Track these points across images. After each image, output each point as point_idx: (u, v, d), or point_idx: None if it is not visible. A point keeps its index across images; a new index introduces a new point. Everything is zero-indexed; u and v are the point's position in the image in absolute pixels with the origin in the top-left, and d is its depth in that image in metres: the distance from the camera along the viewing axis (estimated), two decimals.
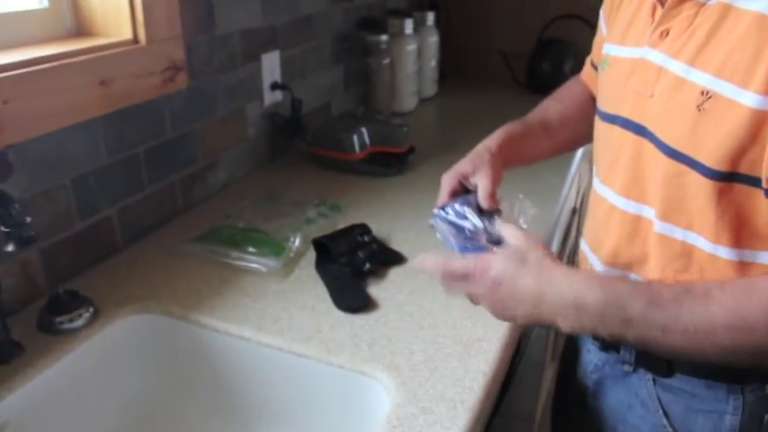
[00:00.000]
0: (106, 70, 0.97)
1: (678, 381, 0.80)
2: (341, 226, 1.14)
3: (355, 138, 1.45)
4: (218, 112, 1.30)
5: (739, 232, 0.69)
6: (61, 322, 0.87)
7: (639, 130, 0.76)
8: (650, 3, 0.77)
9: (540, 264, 0.73)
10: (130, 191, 1.10)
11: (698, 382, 0.78)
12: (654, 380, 0.82)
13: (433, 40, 2.06)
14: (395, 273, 1.05)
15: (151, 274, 1.01)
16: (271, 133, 1.50)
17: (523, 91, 2.22)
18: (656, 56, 0.74)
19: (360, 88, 1.89)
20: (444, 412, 0.75)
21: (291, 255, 1.06)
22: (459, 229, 0.85)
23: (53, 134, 0.92)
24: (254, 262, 1.03)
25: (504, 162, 0.93)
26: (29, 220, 0.74)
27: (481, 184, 0.88)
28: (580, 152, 1.59)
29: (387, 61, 1.83)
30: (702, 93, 0.67)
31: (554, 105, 1.07)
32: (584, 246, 0.91)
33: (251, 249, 1.06)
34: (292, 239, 1.09)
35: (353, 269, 1.02)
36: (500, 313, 0.77)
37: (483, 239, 0.82)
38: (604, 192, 0.84)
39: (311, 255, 1.07)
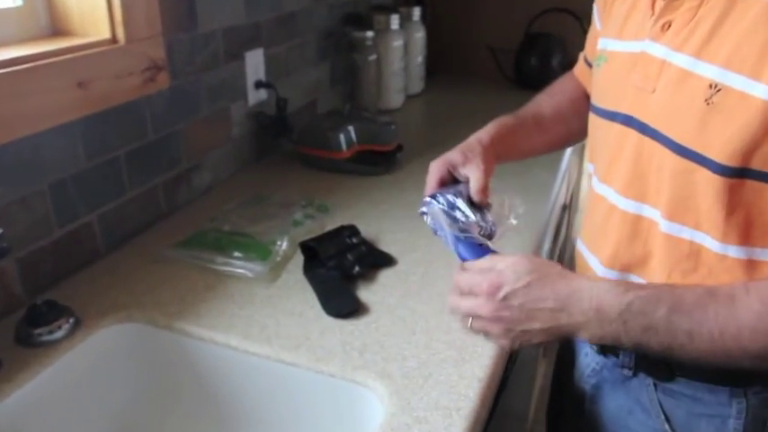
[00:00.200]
0: (84, 71, 0.94)
1: (680, 385, 0.78)
2: (329, 227, 1.11)
3: (342, 136, 1.42)
4: (202, 113, 1.27)
5: (749, 230, 0.66)
6: (40, 334, 0.83)
7: (641, 126, 0.74)
8: None
9: (551, 273, 0.70)
10: (111, 195, 1.07)
11: (700, 385, 0.76)
12: (655, 384, 0.80)
13: (419, 35, 2.03)
14: (385, 275, 1.02)
15: (134, 282, 0.98)
16: (256, 133, 1.47)
17: (511, 86, 2.21)
18: (657, 49, 0.72)
19: (346, 86, 1.87)
20: (440, 421, 0.73)
21: (278, 259, 1.03)
22: (452, 219, 0.82)
23: (29, 138, 0.89)
24: (240, 267, 1.00)
25: (496, 156, 0.90)
26: (1, 231, 0.71)
27: (473, 176, 0.85)
28: (570, 148, 1.57)
29: (373, 58, 1.80)
30: (711, 86, 0.64)
31: (546, 100, 1.04)
32: (581, 247, 0.88)
33: (237, 254, 1.03)
34: (279, 243, 1.06)
35: (342, 272, 1.00)
36: (513, 337, 0.72)
37: (475, 232, 0.80)
38: (604, 191, 0.81)
39: (299, 258, 1.04)
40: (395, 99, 1.94)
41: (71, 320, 0.87)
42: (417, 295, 0.97)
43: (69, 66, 0.92)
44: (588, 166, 0.90)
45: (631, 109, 0.75)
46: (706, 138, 0.65)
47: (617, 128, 0.78)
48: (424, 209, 0.86)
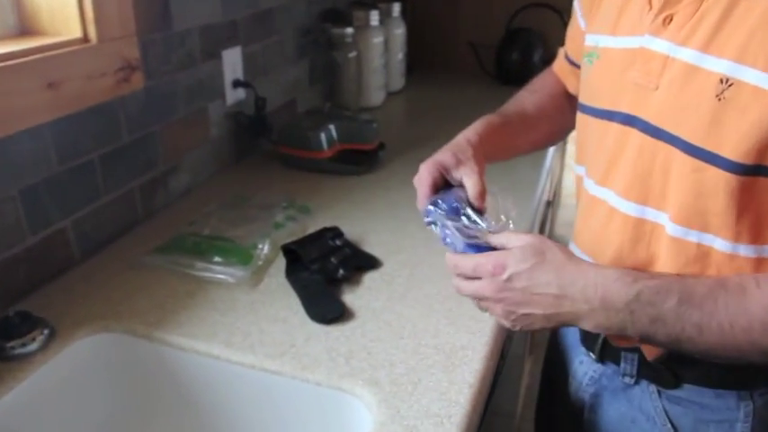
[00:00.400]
0: (54, 71, 0.91)
1: (686, 392, 0.76)
2: (311, 230, 1.09)
3: (323, 135, 1.40)
4: (178, 113, 1.23)
5: (760, 228, 0.65)
6: (13, 347, 0.80)
7: (645, 126, 0.71)
8: None
9: (558, 258, 0.68)
10: (86, 200, 1.03)
11: (707, 391, 0.75)
12: (659, 392, 0.79)
13: (399, 31, 2.01)
14: (370, 278, 1.00)
15: (111, 290, 0.95)
16: (235, 133, 1.43)
17: (492, 82, 2.19)
18: (659, 44, 0.69)
19: (325, 84, 1.84)
20: (431, 430, 0.71)
21: (260, 263, 1.01)
22: (460, 227, 0.77)
23: None
24: (221, 272, 0.97)
25: (486, 156, 0.87)
26: None
27: (470, 181, 0.81)
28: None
29: (353, 55, 1.77)
30: (722, 81, 0.62)
31: (528, 98, 1.01)
32: (578, 253, 0.84)
33: (217, 259, 1.00)
34: (260, 246, 1.03)
35: (326, 276, 0.97)
36: (514, 319, 0.71)
37: (484, 238, 0.76)
38: (603, 194, 0.78)
39: (281, 262, 1.01)
40: (376, 96, 1.91)
41: (45, 332, 0.83)
42: (403, 298, 0.94)
43: (39, 66, 0.88)
44: (578, 168, 0.87)
45: (632, 108, 0.73)
46: (718, 135, 0.63)
47: (615, 128, 0.75)
48: (430, 218, 0.81)
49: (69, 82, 0.93)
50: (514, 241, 0.71)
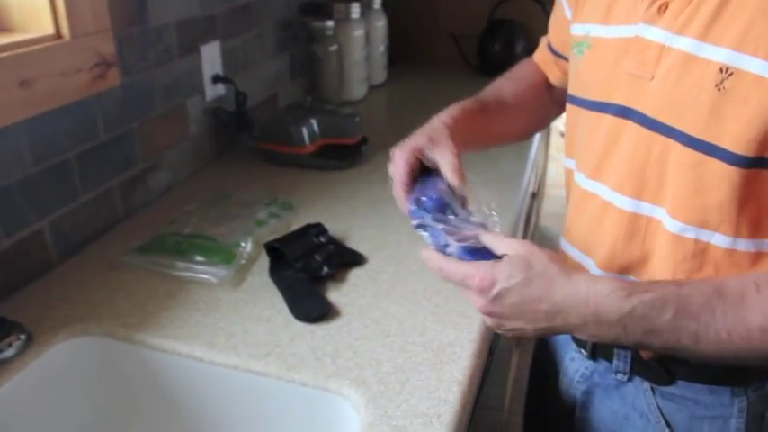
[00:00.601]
0: (26, 69, 0.88)
1: (680, 388, 0.75)
2: (294, 227, 1.07)
3: (305, 130, 1.38)
4: (157, 110, 1.21)
5: (760, 223, 0.64)
6: None
7: (641, 117, 0.69)
8: None
9: (549, 271, 0.64)
10: (63, 200, 1.00)
11: (701, 388, 0.74)
12: (652, 388, 0.78)
13: (380, 24, 1.99)
14: (355, 275, 0.98)
15: (90, 292, 0.93)
16: (215, 129, 1.41)
17: (475, 73, 2.17)
18: (655, 33, 0.67)
19: (306, 78, 1.82)
20: (420, 429, 0.69)
21: (243, 262, 0.99)
22: (447, 225, 0.72)
23: None
24: (203, 272, 0.95)
25: (462, 141, 0.82)
26: None
27: (445, 158, 0.77)
28: (538, 135, 1.55)
29: (334, 48, 1.75)
30: (721, 70, 0.61)
31: (507, 86, 0.99)
32: (569, 248, 0.84)
33: (199, 258, 0.98)
34: (243, 245, 1.01)
35: (310, 274, 0.95)
36: (505, 330, 0.69)
37: (470, 230, 0.71)
38: (595, 188, 0.77)
39: (264, 260, 1.00)
40: (357, 90, 1.89)
41: (22, 337, 0.81)
42: (389, 295, 0.93)
43: (10, 64, 0.86)
44: (567, 162, 0.86)
45: (626, 99, 0.71)
46: (718, 126, 0.62)
47: (609, 120, 0.74)
48: (417, 222, 0.75)
49: (43, 79, 0.90)
50: (503, 248, 0.67)
